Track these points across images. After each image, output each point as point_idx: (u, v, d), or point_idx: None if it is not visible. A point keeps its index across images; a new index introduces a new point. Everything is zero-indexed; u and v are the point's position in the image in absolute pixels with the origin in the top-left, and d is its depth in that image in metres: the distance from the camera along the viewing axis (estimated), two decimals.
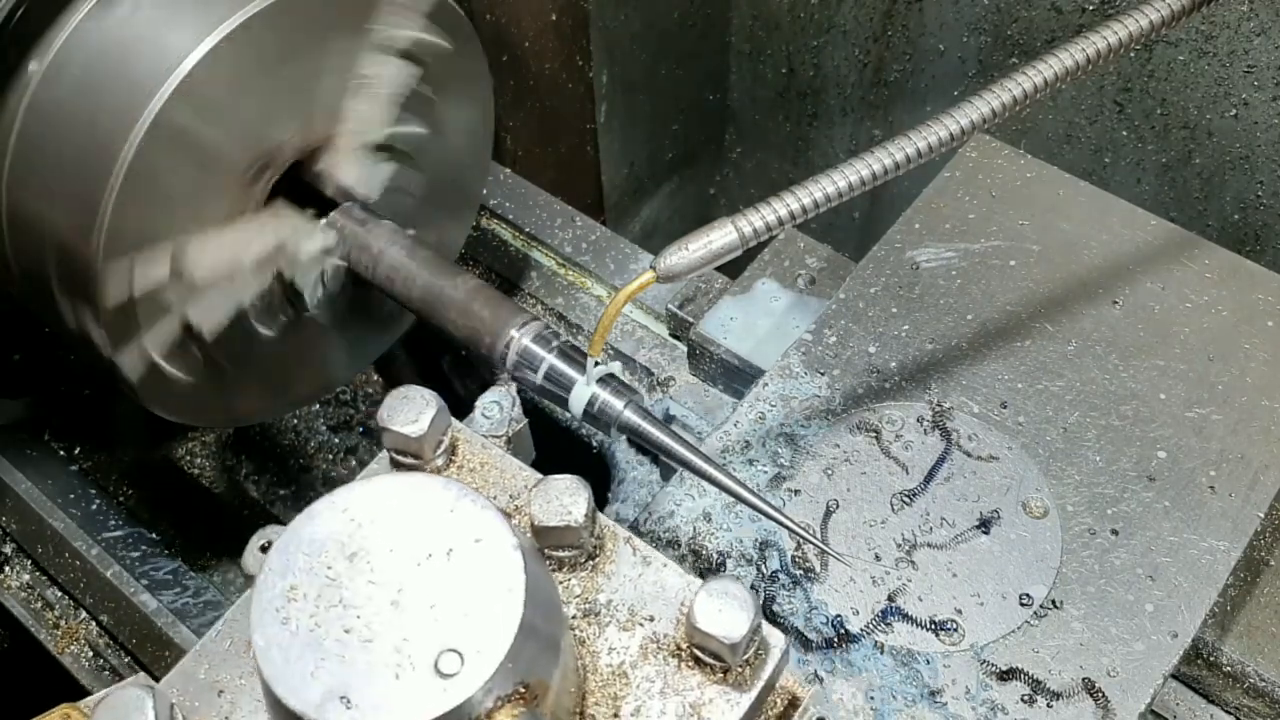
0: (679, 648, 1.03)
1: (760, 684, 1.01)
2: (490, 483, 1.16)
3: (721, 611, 0.97)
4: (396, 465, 1.14)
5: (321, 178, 1.60)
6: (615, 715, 1.01)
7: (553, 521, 1.04)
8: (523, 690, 0.87)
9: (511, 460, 1.17)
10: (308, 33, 1.48)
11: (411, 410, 1.11)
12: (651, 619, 1.05)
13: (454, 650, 0.85)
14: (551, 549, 1.07)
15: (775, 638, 1.02)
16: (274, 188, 1.55)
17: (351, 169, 1.62)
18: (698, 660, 1.01)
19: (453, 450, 1.16)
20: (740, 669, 1.00)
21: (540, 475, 1.14)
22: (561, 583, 1.08)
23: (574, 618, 1.06)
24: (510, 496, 1.14)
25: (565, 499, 1.05)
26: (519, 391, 1.37)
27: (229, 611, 1.12)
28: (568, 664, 0.97)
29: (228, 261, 1.54)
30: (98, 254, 1.39)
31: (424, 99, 1.67)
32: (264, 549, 1.02)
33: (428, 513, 0.92)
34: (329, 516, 0.93)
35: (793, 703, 1.07)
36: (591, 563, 1.09)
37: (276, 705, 0.86)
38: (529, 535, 1.05)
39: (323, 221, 1.60)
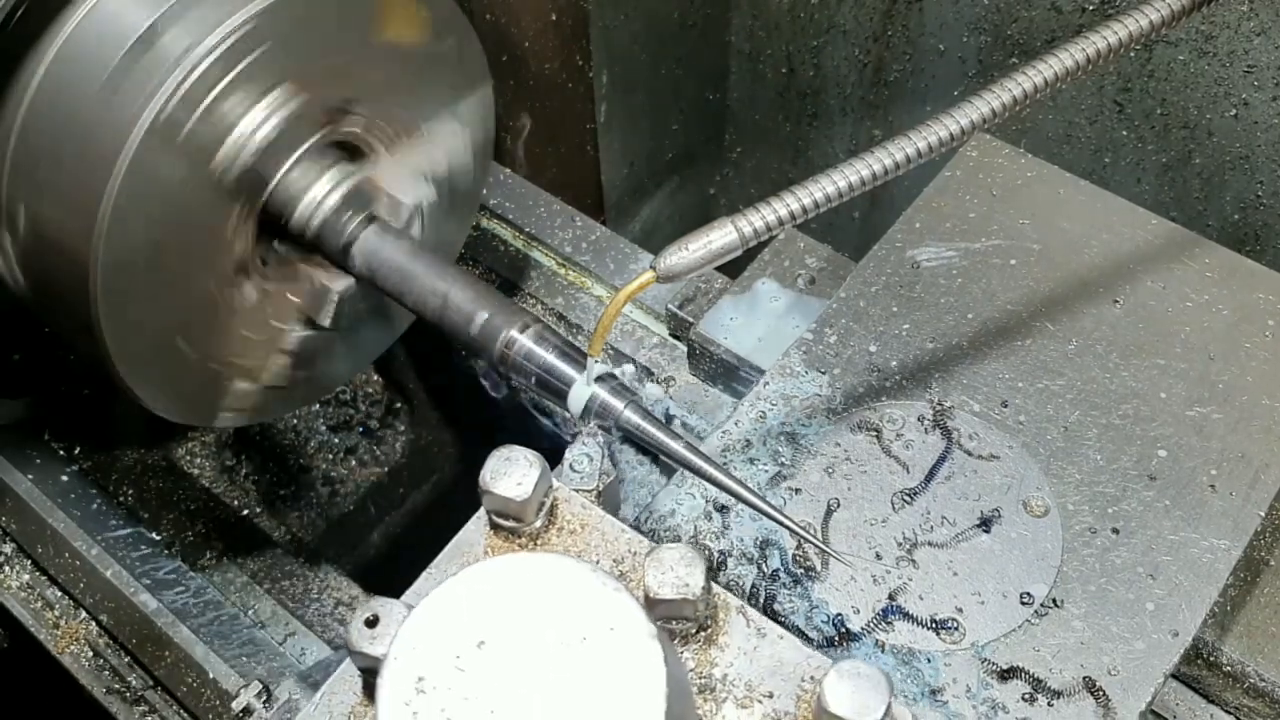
0: None
1: None
2: (593, 546, 1.12)
3: (854, 694, 0.93)
4: (495, 527, 1.12)
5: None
6: None
7: (668, 594, 1.00)
8: None
9: (613, 522, 1.14)
10: (282, 48, 1.47)
11: (516, 473, 1.08)
12: (770, 695, 1.02)
13: None
14: (664, 621, 1.03)
15: (903, 715, 0.98)
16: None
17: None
18: None
19: (552, 511, 1.13)
20: None
21: (644, 539, 1.12)
22: None
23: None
24: (614, 561, 1.11)
25: (681, 570, 1.01)
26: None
27: (328, 684, 1.08)
28: None
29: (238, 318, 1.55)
30: (97, 254, 1.39)
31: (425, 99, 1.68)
32: (369, 623, 0.98)
33: (558, 596, 0.90)
34: (455, 599, 0.90)
35: None
36: (704, 634, 1.05)
37: None
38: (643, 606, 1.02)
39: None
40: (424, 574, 1.14)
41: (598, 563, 1.10)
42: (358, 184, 1.59)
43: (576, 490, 1.17)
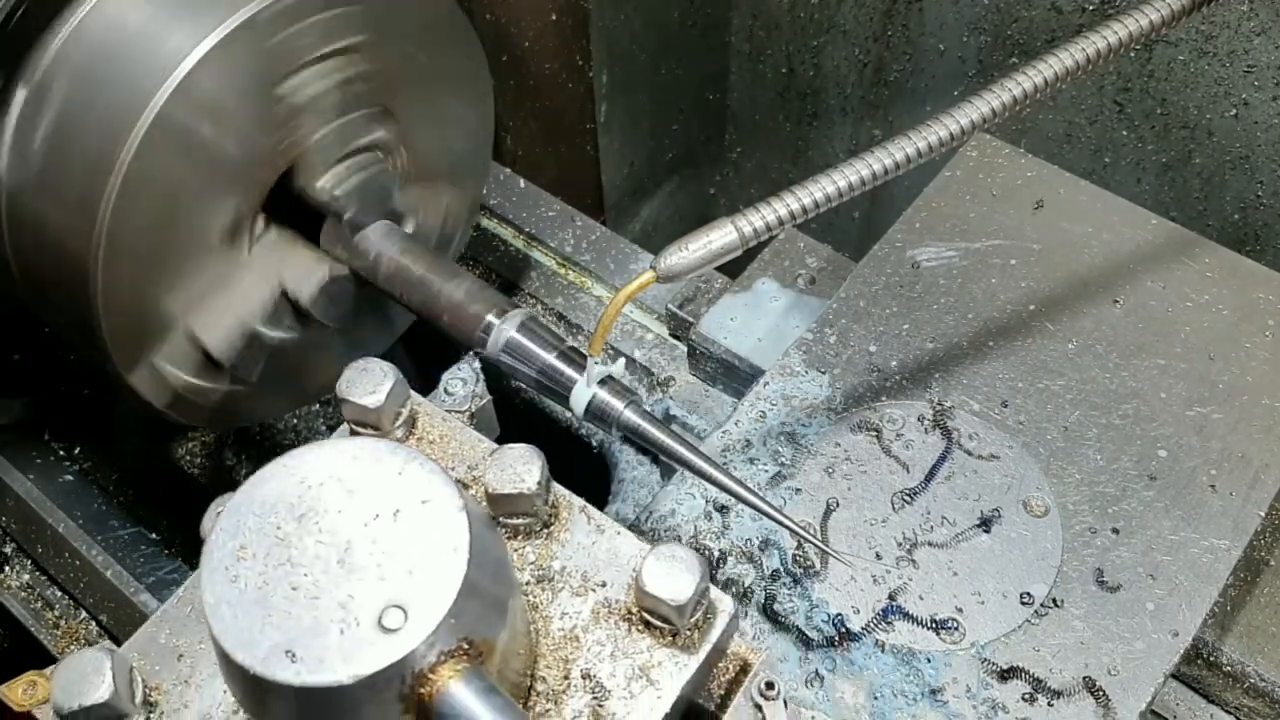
0: (629, 612, 1.05)
1: (708, 646, 1.03)
2: (450, 454, 1.17)
3: (669, 575, 0.99)
4: (355, 435, 1.15)
5: (313, 188, 1.60)
6: (566, 677, 1.03)
7: (506, 489, 1.06)
8: (467, 647, 0.89)
9: (471, 432, 1.19)
10: (308, 34, 1.48)
11: (369, 382, 1.14)
12: (604, 584, 1.08)
13: (398, 606, 0.88)
14: (506, 517, 1.09)
15: (724, 603, 1.04)
16: (268, 201, 1.55)
17: (344, 174, 1.62)
18: (647, 624, 1.04)
19: (413, 423, 1.18)
20: (688, 632, 1.02)
21: (498, 446, 1.15)
22: (516, 550, 1.10)
23: (527, 584, 1.08)
24: (469, 467, 1.16)
25: (519, 467, 1.07)
26: (483, 367, 1.37)
27: (190, 578, 1.14)
28: (516, 626, 0.98)
29: (231, 267, 1.55)
30: (97, 255, 1.38)
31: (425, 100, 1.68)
32: (219, 515, 1.03)
33: (377, 475, 0.94)
34: (280, 479, 0.95)
35: (744, 668, 1.09)
36: (546, 531, 1.11)
37: (226, 661, 0.88)
38: (484, 503, 1.07)
39: (322, 234, 1.61)
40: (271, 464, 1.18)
41: (453, 468, 1.16)
42: (366, 181, 1.61)
43: (450, 411, 1.23)
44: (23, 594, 1.89)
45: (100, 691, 0.99)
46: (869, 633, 1.30)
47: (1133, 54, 2.10)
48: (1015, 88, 1.25)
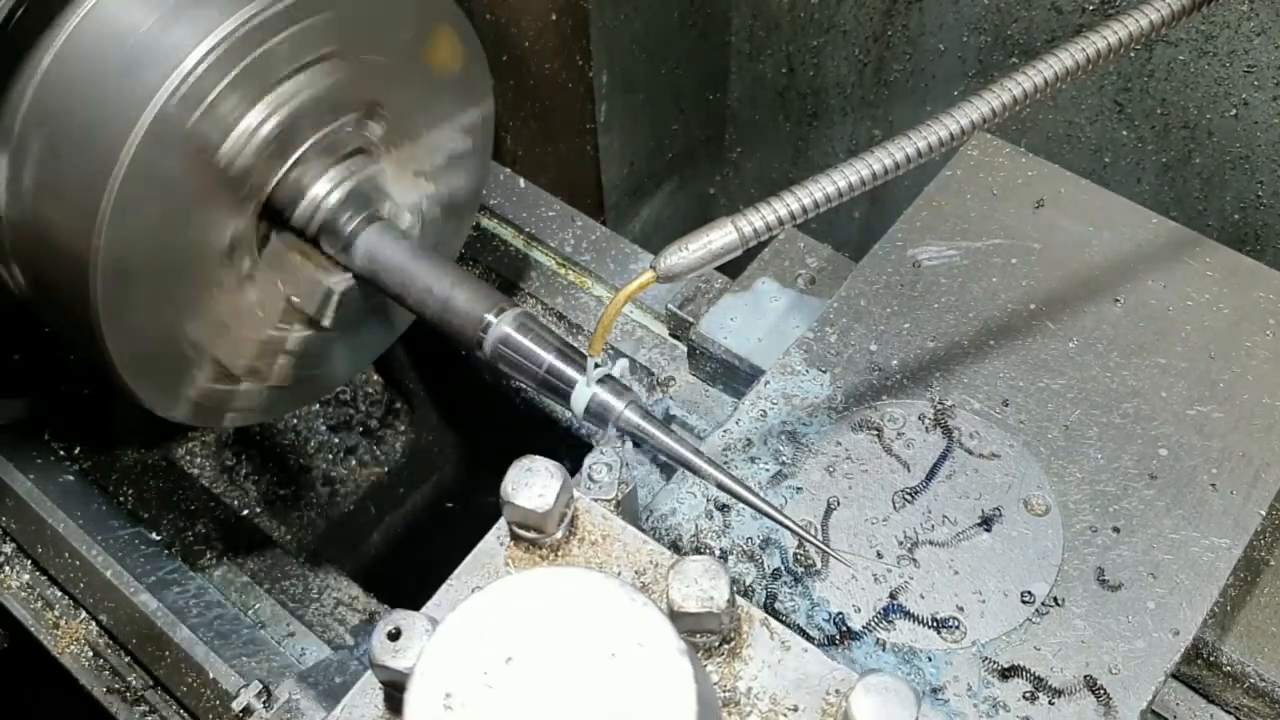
0: None
1: None
2: (614, 558, 1.11)
3: (883, 709, 0.93)
4: (515, 538, 1.11)
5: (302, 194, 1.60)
6: None
7: (693, 607, 0.99)
8: None
9: (635, 533, 1.13)
10: (314, 32, 1.48)
11: (537, 484, 1.08)
12: (795, 709, 1.01)
13: None
14: (688, 634, 1.02)
15: None
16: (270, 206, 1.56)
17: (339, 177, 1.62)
18: None
19: (573, 522, 1.13)
20: None
21: (666, 550, 1.11)
22: None
23: None
24: (636, 573, 1.10)
25: (705, 582, 1.00)
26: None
27: (348, 697, 1.08)
28: None
29: (238, 310, 1.55)
30: (97, 255, 1.38)
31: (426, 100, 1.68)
32: (391, 636, 0.98)
33: (585, 611, 0.89)
34: (482, 614, 0.90)
35: None
36: (727, 647, 1.05)
37: None
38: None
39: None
40: (444, 586, 1.14)
41: (619, 574, 1.10)
42: (362, 182, 1.60)
43: (595, 500, 1.17)
44: (22, 594, 1.89)
45: None
46: (870, 631, 1.29)
47: (1133, 54, 2.10)
48: (1015, 88, 1.24)
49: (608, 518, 1.14)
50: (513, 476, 1.08)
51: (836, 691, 1.02)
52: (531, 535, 1.10)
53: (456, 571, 1.14)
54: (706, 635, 1.03)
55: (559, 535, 1.11)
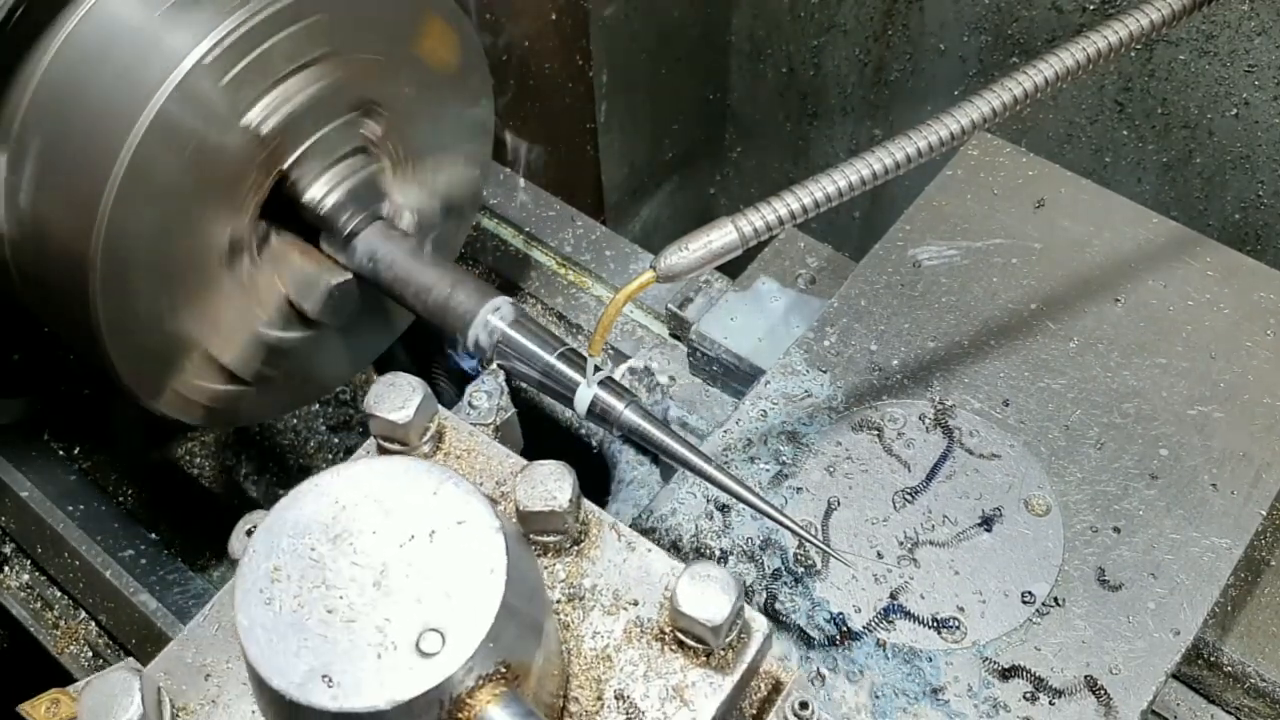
0: (662, 631, 1.04)
1: (743, 667, 1.02)
2: (477, 469, 1.17)
3: (704, 595, 0.98)
4: (383, 452, 1.15)
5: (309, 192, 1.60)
6: (599, 698, 1.02)
7: (537, 506, 1.05)
8: (504, 670, 0.89)
9: (498, 447, 1.19)
10: (308, 34, 1.48)
11: (398, 397, 1.13)
12: (636, 603, 1.07)
13: (435, 630, 0.87)
14: (536, 534, 1.08)
15: (758, 622, 1.03)
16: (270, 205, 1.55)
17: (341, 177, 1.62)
18: (681, 644, 1.02)
19: (439, 437, 1.17)
20: (723, 652, 1.01)
21: (525, 461, 1.14)
22: (546, 568, 1.09)
23: (558, 602, 1.07)
24: (496, 483, 1.16)
25: (550, 484, 1.06)
26: (508, 381, 1.37)
27: (216, 596, 1.12)
28: (550, 647, 0.98)
29: (236, 305, 1.55)
30: (96, 255, 1.38)
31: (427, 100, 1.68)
32: (250, 533, 1.02)
33: (411, 496, 0.94)
34: (313, 499, 0.94)
35: (776, 687, 1.09)
36: (576, 548, 1.10)
37: (260, 685, 0.87)
38: (514, 520, 1.06)
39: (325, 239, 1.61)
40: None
41: (481, 484, 1.15)
42: (361, 182, 1.60)
43: (475, 425, 1.21)
44: (22, 594, 1.89)
45: (129, 713, 0.98)
46: (870, 632, 1.29)
47: (1133, 54, 2.10)
48: (1015, 87, 1.24)
49: (474, 434, 1.18)
50: (375, 391, 1.13)
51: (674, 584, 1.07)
52: (396, 448, 1.14)
53: (316, 478, 1.18)
54: (554, 535, 1.08)
55: (425, 449, 1.15)
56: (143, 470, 2.09)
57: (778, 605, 1.31)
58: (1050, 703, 1.24)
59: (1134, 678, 1.25)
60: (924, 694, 1.25)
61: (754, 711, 1.08)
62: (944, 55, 2.43)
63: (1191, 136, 2.17)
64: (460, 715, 0.87)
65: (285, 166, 1.53)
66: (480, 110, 1.80)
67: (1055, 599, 1.31)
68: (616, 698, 1.02)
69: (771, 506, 1.24)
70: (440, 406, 1.17)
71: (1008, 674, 1.26)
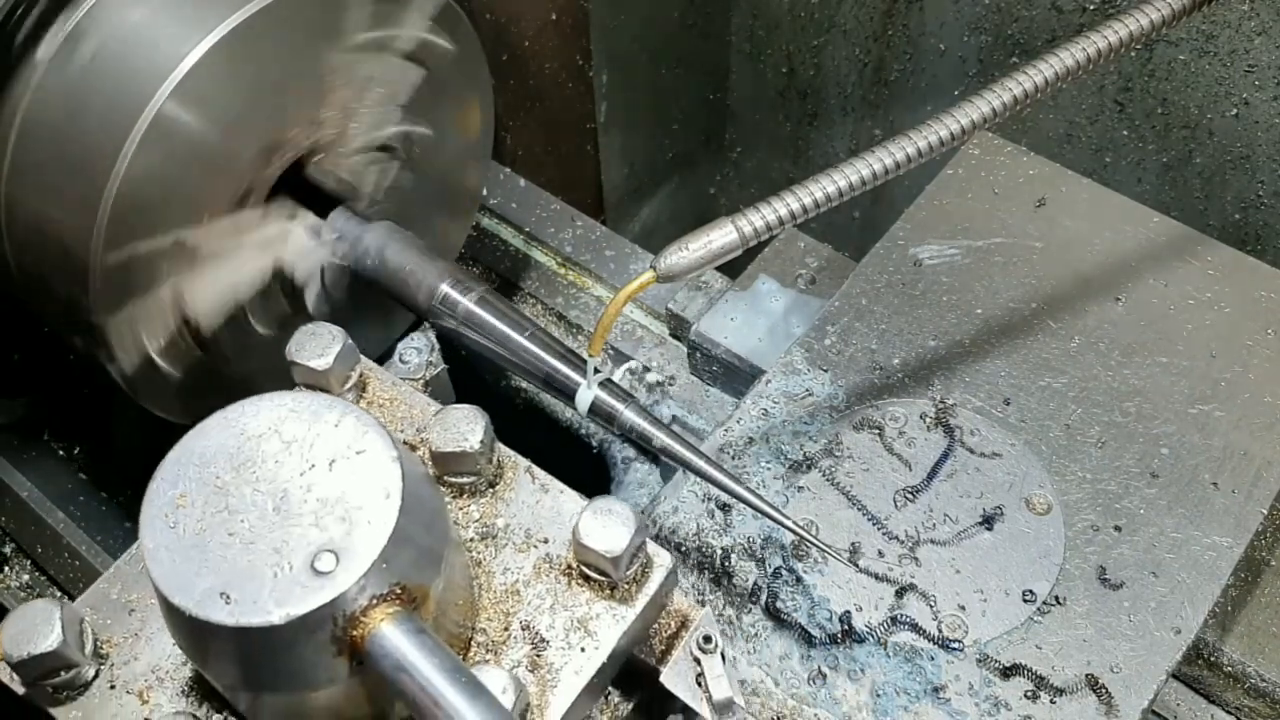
0: (570, 567, 1.08)
1: (644, 599, 1.06)
2: (398, 417, 1.21)
3: (604, 528, 1.03)
4: None
5: (323, 177, 1.60)
6: (506, 629, 1.07)
7: (450, 447, 1.10)
8: (400, 592, 0.93)
9: (420, 396, 1.22)
10: (309, 33, 1.48)
11: (318, 345, 1.17)
12: (546, 541, 1.11)
13: (330, 551, 0.91)
14: (453, 476, 1.12)
15: (661, 557, 1.08)
16: (276, 186, 1.55)
17: (353, 169, 1.62)
18: (586, 578, 1.07)
19: (363, 387, 1.21)
20: (625, 586, 1.06)
21: (443, 407, 1.17)
22: (461, 508, 1.13)
23: (471, 540, 1.11)
24: (417, 430, 1.19)
25: (463, 426, 1.10)
26: (439, 336, 1.39)
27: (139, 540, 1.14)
28: (454, 578, 1.01)
29: (228, 245, 1.54)
30: (97, 253, 1.38)
31: (426, 100, 1.68)
32: None
33: (314, 427, 0.97)
34: (219, 431, 0.98)
35: (684, 624, 1.12)
36: (491, 490, 1.14)
37: (165, 605, 0.92)
38: (429, 463, 1.10)
39: (325, 220, 1.60)
40: None
41: (401, 430, 1.19)
42: (360, 181, 1.61)
43: (405, 379, 1.26)
44: (22, 594, 1.89)
45: (49, 641, 1.02)
46: (871, 630, 1.29)
47: (1133, 53, 2.10)
48: (1016, 87, 1.25)
49: (397, 384, 1.23)
50: (296, 339, 1.18)
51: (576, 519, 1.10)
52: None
53: (224, 410, 1.20)
54: (468, 476, 1.12)
55: (348, 396, 1.19)
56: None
57: (779, 604, 1.31)
58: (1051, 701, 1.24)
59: (1135, 676, 1.25)
60: (925, 692, 1.25)
61: (662, 647, 1.11)
62: (944, 55, 2.43)
63: (1191, 136, 2.17)
64: (355, 632, 0.91)
65: (286, 167, 1.53)
66: (481, 110, 1.80)
67: (1056, 597, 1.31)
68: (523, 628, 1.06)
69: (771, 506, 1.24)
70: (363, 357, 1.21)
71: (1009, 672, 1.26)
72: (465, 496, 1.14)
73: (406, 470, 0.95)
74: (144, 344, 1.50)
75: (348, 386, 1.19)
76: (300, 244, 1.61)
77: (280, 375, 1.69)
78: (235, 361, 1.64)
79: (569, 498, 1.14)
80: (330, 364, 1.16)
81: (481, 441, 1.10)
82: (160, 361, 1.54)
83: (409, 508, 0.93)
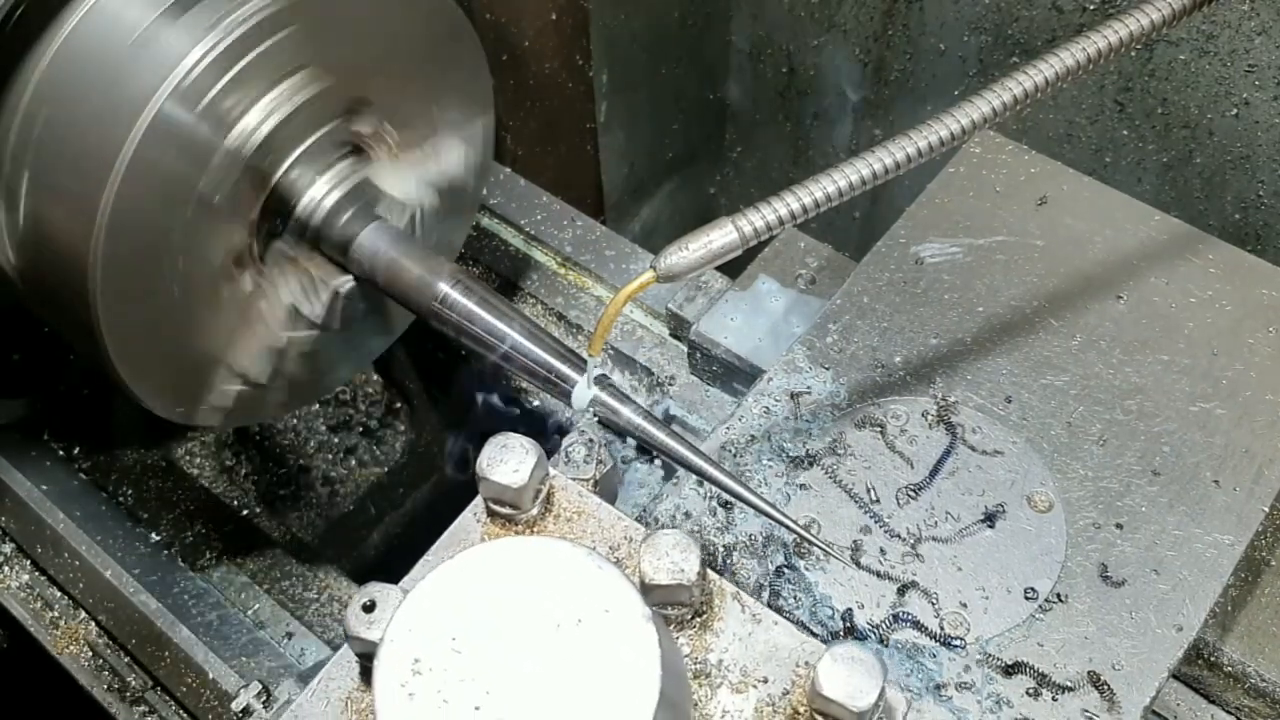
0: (796, 712, 1.00)
1: None
2: (589, 533, 1.12)
3: (849, 678, 0.94)
4: (491, 514, 1.12)
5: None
6: None
7: (664, 580, 1.01)
8: None
9: (609, 509, 1.14)
10: (309, 33, 1.47)
11: (512, 460, 1.08)
12: (765, 680, 1.03)
13: None
14: (659, 607, 1.03)
15: (898, 700, 1.00)
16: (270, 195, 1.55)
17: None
18: None
19: (549, 499, 1.13)
20: None
21: (640, 526, 1.12)
22: None
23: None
24: (611, 548, 1.11)
25: (676, 555, 1.01)
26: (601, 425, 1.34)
27: (325, 670, 1.08)
28: None
29: (244, 315, 1.55)
30: (96, 255, 1.38)
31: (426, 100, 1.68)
32: (366, 608, 0.99)
33: (553, 579, 0.91)
34: (451, 583, 0.91)
35: None
36: (699, 620, 1.06)
37: None
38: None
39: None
40: (420, 561, 1.15)
41: (594, 549, 1.09)
42: (360, 182, 1.60)
43: (573, 479, 1.18)
44: (22, 594, 1.88)
45: None
46: (873, 628, 1.29)
47: (1134, 53, 2.10)
48: (1016, 87, 1.24)
49: (583, 495, 1.15)
50: (488, 453, 1.09)
51: (806, 663, 1.03)
52: (507, 511, 1.11)
53: (433, 547, 1.14)
54: (678, 608, 1.04)
55: (534, 512, 1.12)
56: (142, 470, 2.09)
57: (780, 602, 1.31)
58: (1053, 698, 1.24)
59: (1137, 673, 1.25)
60: (927, 690, 1.25)
61: None
62: (944, 55, 2.43)
63: (1191, 136, 2.17)
64: None
65: (285, 167, 1.53)
66: (481, 110, 1.79)
67: (1058, 595, 1.30)
68: None
69: (771, 505, 1.24)
70: (550, 468, 1.14)
71: (1011, 670, 1.25)
72: (673, 628, 1.05)
73: (660, 630, 0.88)
74: (144, 345, 1.51)
75: (536, 501, 1.11)
76: (306, 274, 1.62)
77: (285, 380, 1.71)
78: (260, 374, 1.65)
79: (783, 630, 1.05)
80: (525, 481, 1.08)
81: (698, 572, 1.01)
82: (160, 361, 1.54)
83: (667, 673, 0.87)
